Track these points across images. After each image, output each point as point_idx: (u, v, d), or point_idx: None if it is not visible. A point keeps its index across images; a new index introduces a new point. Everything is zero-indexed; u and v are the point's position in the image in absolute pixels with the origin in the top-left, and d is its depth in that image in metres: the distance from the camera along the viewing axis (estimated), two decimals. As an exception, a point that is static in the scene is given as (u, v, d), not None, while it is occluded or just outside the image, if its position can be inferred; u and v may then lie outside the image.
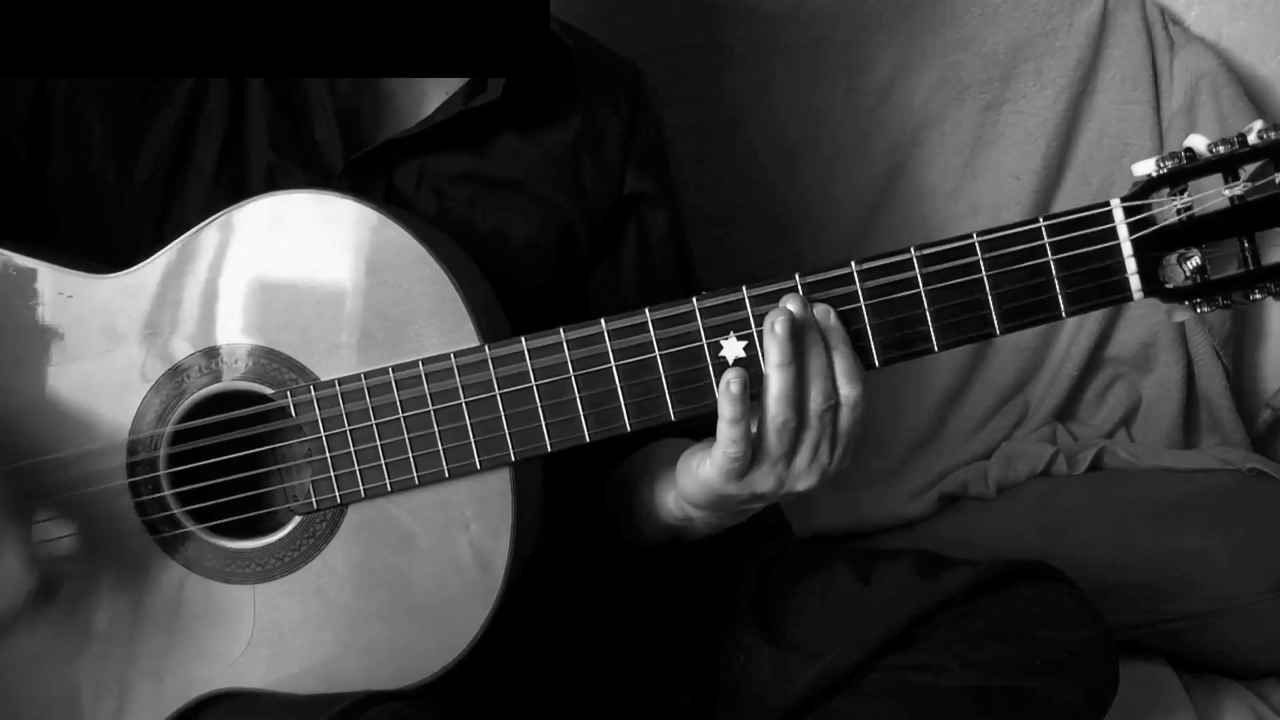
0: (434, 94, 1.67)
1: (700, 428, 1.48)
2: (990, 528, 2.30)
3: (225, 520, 1.51)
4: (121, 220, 1.60)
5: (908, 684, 1.60)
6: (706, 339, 1.41)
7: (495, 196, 1.68)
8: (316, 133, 1.63)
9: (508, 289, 1.54)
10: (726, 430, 1.41)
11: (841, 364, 1.40)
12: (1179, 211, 1.35)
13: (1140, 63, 2.41)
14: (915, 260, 1.38)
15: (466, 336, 1.45)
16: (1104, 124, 2.43)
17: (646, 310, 1.41)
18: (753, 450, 1.43)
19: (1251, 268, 1.36)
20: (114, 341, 1.50)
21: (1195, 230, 1.36)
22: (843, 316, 1.39)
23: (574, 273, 1.75)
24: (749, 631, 1.71)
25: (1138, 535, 2.16)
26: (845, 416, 1.43)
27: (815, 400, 1.41)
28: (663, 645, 1.76)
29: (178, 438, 1.50)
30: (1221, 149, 1.35)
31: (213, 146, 1.61)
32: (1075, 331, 2.45)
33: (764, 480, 1.45)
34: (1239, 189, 1.34)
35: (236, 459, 1.50)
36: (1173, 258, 1.37)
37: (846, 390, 1.41)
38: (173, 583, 1.53)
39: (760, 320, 1.39)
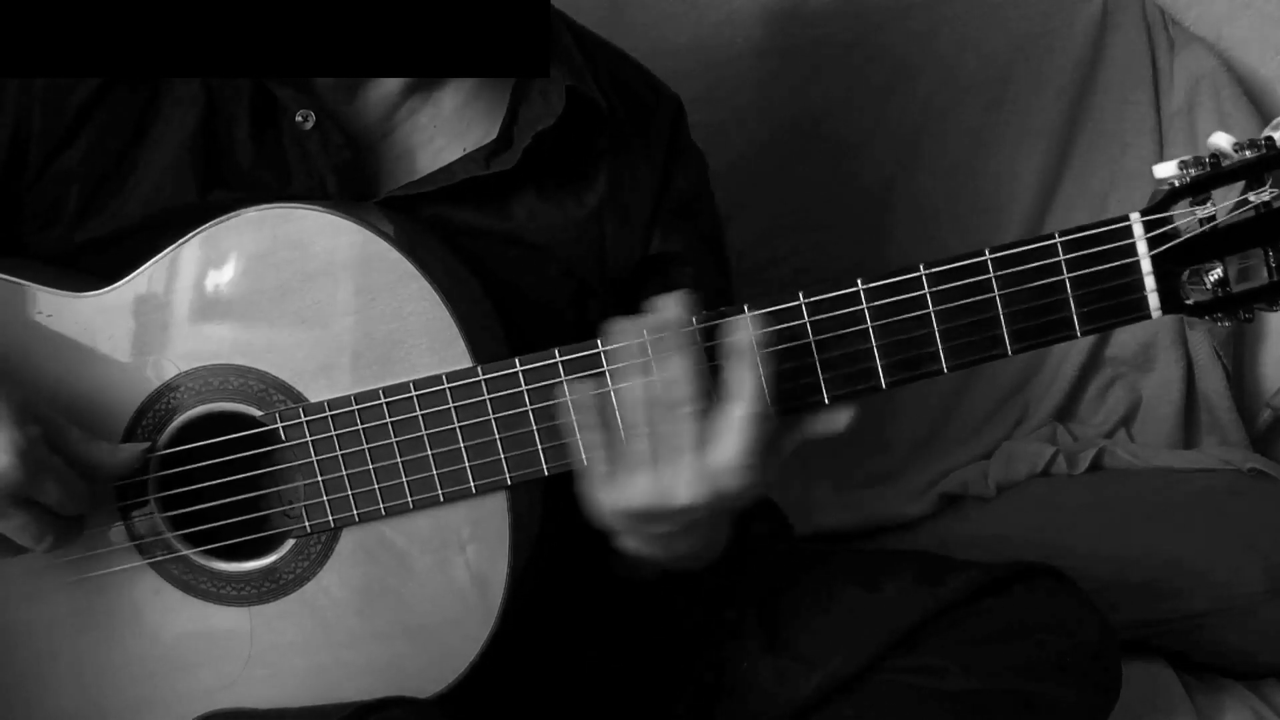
0: (452, 151, 1.56)
1: None
2: (990, 528, 2.24)
3: (220, 544, 1.45)
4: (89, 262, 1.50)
5: (909, 687, 1.55)
6: (706, 360, 1.31)
7: (509, 254, 1.57)
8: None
9: (517, 339, 1.45)
10: (582, 436, 1.33)
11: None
12: (1202, 222, 1.24)
13: (1140, 63, 2.36)
14: (924, 279, 1.28)
15: (459, 356, 1.37)
16: (1104, 124, 2.37)
17: (644, 331, 1.31)
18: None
19: (1276, 279, 1.25)
20: (97, 362, 1.42)
21: (1218, 242, 1.25)
22: (849, 338, 1.30)
23: (589, 330, 1.63)
24: (751, 635, 1.65)
25: (1138, 535, 2.11)
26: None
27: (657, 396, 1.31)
28: (665, 648, 1.70)
29: (167, 460, 1.43)
30: (1249, 153, 1.24)
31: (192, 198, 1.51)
32: None
33: (637, 484, 1.33)
34: (1266, 195, 1.22)
35: (228, 481, 1.43)
36: (1192, 271, 1.26)
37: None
38: (168, 606, 1.46)
39: (760, 342, 1.29)
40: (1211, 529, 2.08)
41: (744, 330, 1.28)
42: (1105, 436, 2.37)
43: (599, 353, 1.32)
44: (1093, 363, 2.41)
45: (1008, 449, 2.35)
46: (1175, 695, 1.96)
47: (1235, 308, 1.26)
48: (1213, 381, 2.38)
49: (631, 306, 1.36)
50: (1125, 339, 2.40)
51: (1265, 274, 1.25)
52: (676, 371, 1.28)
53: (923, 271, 1.27)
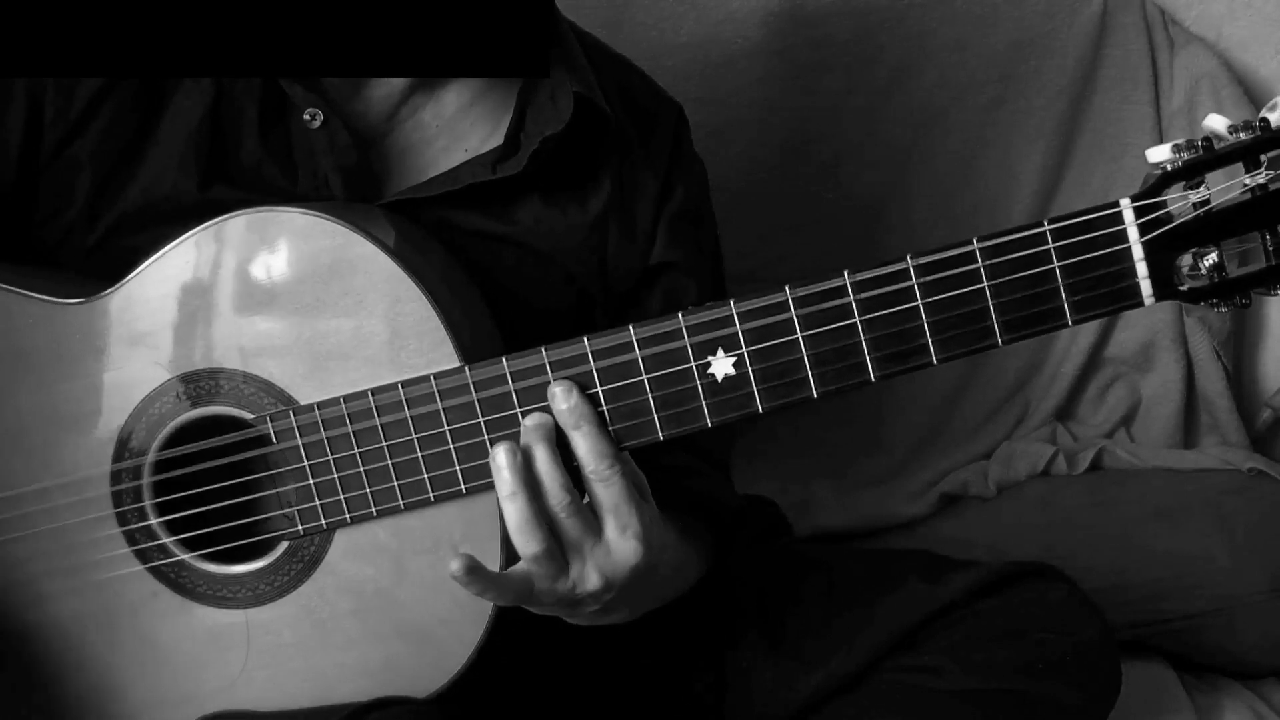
0: (454, 151, 1.55)
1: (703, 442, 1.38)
2: (990, 528, 2.22)
3: (216, 548, 1.43)
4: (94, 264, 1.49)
5: (909, 686, 1.55)
6: (694, 357, 1.28)
7: (513, 259, 1.55)
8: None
9: (517, 346, 1.40)
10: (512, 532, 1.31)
11: (582, 447, 1.29)
12: (1195, 206, 1.19)
13: (1140, 63, 2.33)
14: (912, 270, 1.24)
15: (447, 357, 1.34)
16: (1104, 124, 2.35)
17: (631, 328, 1.29)
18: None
19: (1274, 262, 1.20)
20: (91, 367, 1.40)
21: (1212, 226, 1.20)
22: (837, 332, 1.25)
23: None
24: (752, 635, 1.64)
25: (1138, 535, 2.10)
26: (602, 491, 1.30)
27: (554, 505, 1.29)
28: (665, 648, 1.68)
29: (161, 464, 1.41)
30: (1244, 135, 1.18)
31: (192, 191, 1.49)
32: (1075, 331, 2.37)
33: (552, 593, 1.33)
34: (1261, 178, 1.17)
35: (222, 485, 1.41)
36: (1187, 256, 1.21)
37: (594, 467, 1.29)
38: (165, 609, 1.44)
39: (749, 337, 1.27)
40: (1211, 529, 2.06)
41: (556, 398, 1.28)
42: (1105, 436, 2.35)
43: (585, 351, 1.29)
44: (1093, 363, 2.39)
45: (1008, 449, 2.33)
46: (1175, 695, 1.95)
47: (1232, 293, 1.21)
48: (1213, 381, 2.35)
49: (632, 316, 1.33)
50: (1125, 339, 2.38)
51: (1263, 258, 1.20)
52: (543, 473, 1.28)
53: (910, 262, 1.23)
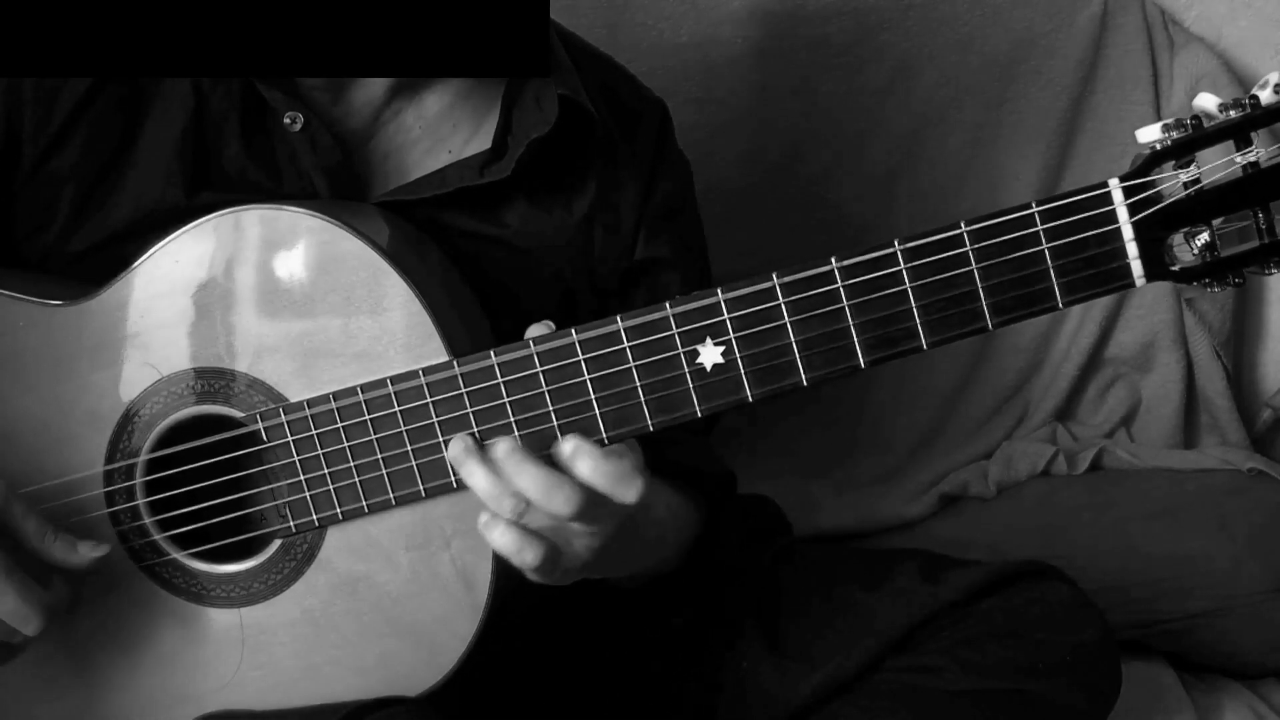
0: (438, 153, 1.54)
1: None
2: (990, 528, 2.21)
3: (209, 546, 1.41)
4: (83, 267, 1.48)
5: (908, 686, 1.53)
6: (682, 346, 1.26)
7: (500, 257, 1.54)
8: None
9: (507, 340, 1.39)
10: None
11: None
12: (1186, 186, 1.18)
13: (1140, 63, 2.32)
14: (900, 254, 1.23)
15: (435, 352, 1.33)
16: (1104, 124, 2.33)
17: (618, 319, 1.27)
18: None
19: (1267, 241, 1.18)
20: (82, 369, 1.39)
21: (1204, 205, 1.18)
22: (825, 317, 1.24)
23: None
24: (751, 636, 1.62)
25: (1138, 535, 2.09)
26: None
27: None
28: (664, 649, 1.67)
29: (154, 464, 1.40)
30: (1234, 113, 1.17)
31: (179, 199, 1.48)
32: (1075, 331, 2.36)
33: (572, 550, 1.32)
34: (1253, 155, 1.16)
35: (214, 483, 1.39)
36: (1179, 236, 1.19)
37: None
38: (160, 609, 1.43)
39: (737, 325, 1.25)
40: (1211, 529, 2.05)
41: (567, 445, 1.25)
42: (1105, 436, 2.34)
43: (573, 342, 1.27)
44: (1093, 363, 2.38)
45: (1008, 449, 2.32)
46: (1175, 695, 1.94)
47: (1224, 272, 1.20)
48: (1213, 381, 2.34)
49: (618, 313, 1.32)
50: (1125, 339, 2.37)
51: (1255, 236, 1.19)
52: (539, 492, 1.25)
53: (898, 247, 1.22)
